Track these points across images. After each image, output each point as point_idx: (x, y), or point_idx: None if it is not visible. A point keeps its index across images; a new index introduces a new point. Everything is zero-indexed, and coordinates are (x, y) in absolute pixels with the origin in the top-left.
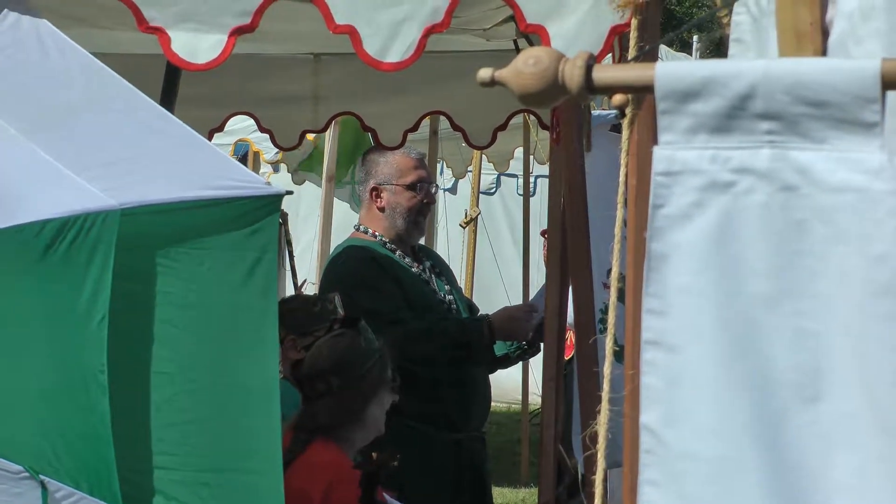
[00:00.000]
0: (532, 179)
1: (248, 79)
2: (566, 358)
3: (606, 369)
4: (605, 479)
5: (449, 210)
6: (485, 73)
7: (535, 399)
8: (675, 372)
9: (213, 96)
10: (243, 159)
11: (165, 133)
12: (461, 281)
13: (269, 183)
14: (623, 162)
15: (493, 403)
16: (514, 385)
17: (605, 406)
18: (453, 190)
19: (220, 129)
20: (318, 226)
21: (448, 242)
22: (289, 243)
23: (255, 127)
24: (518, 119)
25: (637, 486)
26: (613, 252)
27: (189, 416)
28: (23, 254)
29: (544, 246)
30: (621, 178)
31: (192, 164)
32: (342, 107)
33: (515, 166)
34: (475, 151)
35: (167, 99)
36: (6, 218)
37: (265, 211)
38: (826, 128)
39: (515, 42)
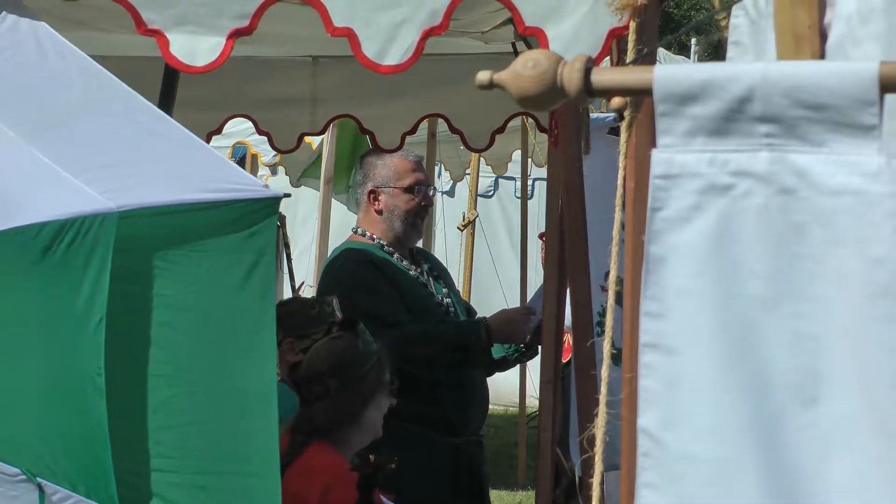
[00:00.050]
0: (530, 182)
1: (246, 81)
2: (564, 361)
3: (604, 372)
4: (602, 482)
5: (447, 213)
6: (483, 76)
7: (533, 402)
8: (674, 374)
9: (211, 99)
10: (241, 162)
11: (163, 135)
12: (459, 284)
13: (266, 186)
14: (621, 165)
15: (490, 406)
16: (511, 388)
17: (602, 409)
18: (451, 193)
19: (218, 131)
20: (316, 228)
21: (446, 245)
22: (287, 246)
23: (254, 129)
24: (516, 122)
25: (635, 489)
26: (611, 255)
27: (186, 418)
28: (21, 256)
29: (542, 249)
30: (619, 181)
31: (190, 167)
32: (340, 109)
33: (513, 169)
34: (473, 154)
35: (165, 101)
36: (4, 220)
37: (263, 214)
38: (824, 131)
39: (514, 45)
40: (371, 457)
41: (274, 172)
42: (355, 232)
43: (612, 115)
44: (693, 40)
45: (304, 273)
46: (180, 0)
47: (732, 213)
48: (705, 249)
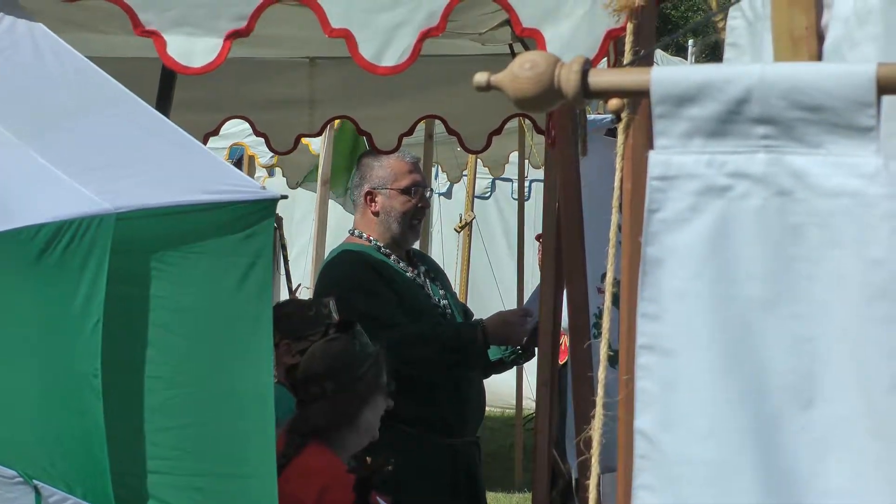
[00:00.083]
0: (527, 184)
1: (243, 83)
2: (561, 362)
3: (601, 374)
4: (598, 484)
5: (444, 214)
6: (481, 77)
7: (530, 404)
8: (671, 376)
9: (208, 100)
10: (238, 163)
11: (161, 137)
12: (455, 285)
13: (264, 187)
14: (618, 166)
15: (487, 408)
16: (508, 390)
17: (599, 411)
18: (448, 194)
19: (216, 132)
20: (313, 230)
21: (443, 247)
22: (283, 247)
23: (251, 131)
24: (513, 123)
25: (632, 491)
26: (608, 256)
27: (183, 420)
28: (18, 257)
29: (539, 250)
30: (616, 183)
31: (188, 168)
32: (337, 111)
33: (510, 170)
34: (470, 156)
35: (162, 103)
36: (1, 221)
37: (260, 215)
38: (822, 132)
39: (511, 46)
40: (368, 458)
41: (271, 174)
42: (352, 233)
43: (610, 116)
44: (690, 42)
45: (301, 275)
46: (178, 1)
47: (730, 215)
48: (702, 251)
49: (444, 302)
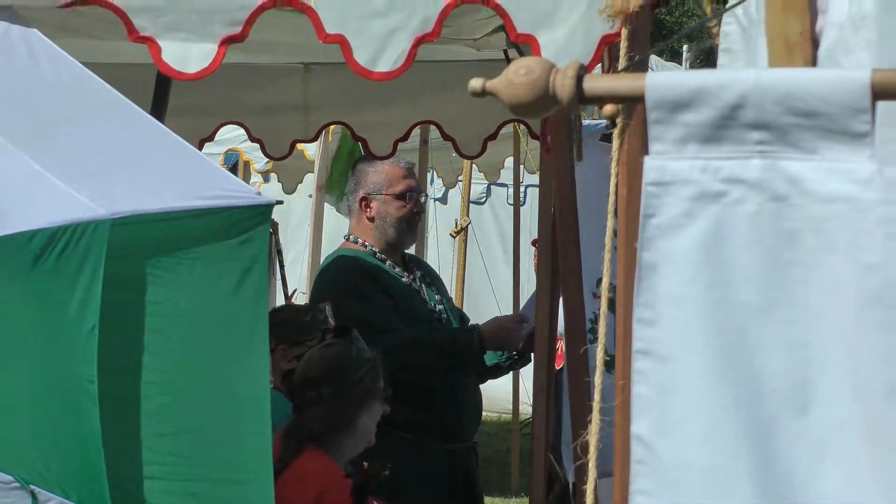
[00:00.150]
0: (522, 189)
1: (238, 88)
2: (557, 367)
3: (597, 379)
4: (595, 489)
5: (439, 220)
6: (476, 83)
7: (526, 409)
8: (667, 381)
9: (203, 106)
10: (234, 169)
11: (156, 142)
12: (451, 291)
13: (259, 193)
14: (613, 172)
15: (483, 413)
16: (504, 395)
17: (595, 416)
18: (443, 199)
19: (211, 138)
20: (309, 235)
21: (438, 252)
22: (279, 253)
23: (246, 136)
24: (508, 129)
25: (629, 496)
26: (604, 261)
27: (179, 425)
28: (13, 263)
29: (535, 255)
30: (612, 188)
31: (183, 174)
32: (333, 116)
33: (506, 176)
34: (465, 161)
35: (157, 108)
36: None
37: (255, 221)
38: (816, 138)
39: (506, 52)
40: (365, 463)
41: (266, 179)
42: (347, 239)
43: (605, 122)
44: (685, 47)
45: (296, 280)
46: (172, 7)
47: (725, 220)
48: (698, 256)
49: (439, 307)
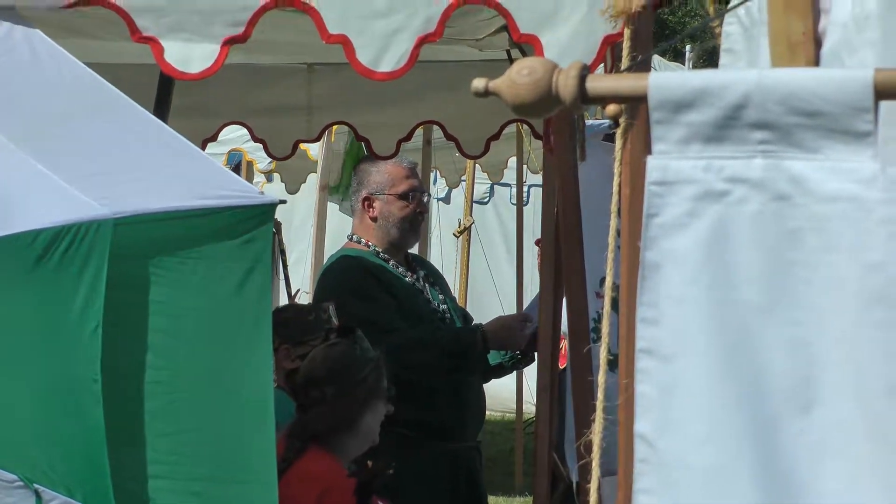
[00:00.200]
0: (525, 189)
1: (241, 89)
2: (560, 367)
3: (600, 378)
4: (599, 488)
5: (442, 219)
6: (479, 83)
7: (530, 408)
8: (669, 380)
9: (206, 106)
10: (237, 169)
11: (159, 142)
12: (455, 290)
13: (262, 192)
14: (616, 171)
15: (487, 412)
16: (508, 394)
17: (599, 415)
18: (447, 199)
19: (214, 138)
20: (312, 235)
21: (441, 251)
22: (283, 252)
23: (249, 137)
24: (511, 128)
25: (632, 495)
26: (607, 261)
27: (183, 425)
28: (16, 263)
29: (538, 255)
30: (615, 188)
31: (186, 174)
32: (335, 117)
33: (509, 175)
34: (469, 161)
35: (160, 109)
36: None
37: (258, 220)
38: (819, 137)
39: (508, 52)
40: (368, 463)
41: (269, 179)
42: (350, 239)
43: (608, 121)
44: (688, 47)
45: (300, 280)
46: (174, 8)
47: (727, 220)
48: (700, 256)
49: (443, 307)
